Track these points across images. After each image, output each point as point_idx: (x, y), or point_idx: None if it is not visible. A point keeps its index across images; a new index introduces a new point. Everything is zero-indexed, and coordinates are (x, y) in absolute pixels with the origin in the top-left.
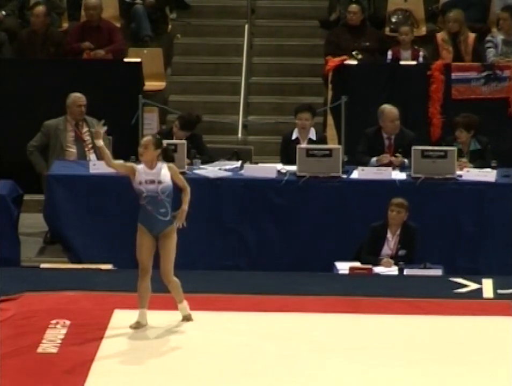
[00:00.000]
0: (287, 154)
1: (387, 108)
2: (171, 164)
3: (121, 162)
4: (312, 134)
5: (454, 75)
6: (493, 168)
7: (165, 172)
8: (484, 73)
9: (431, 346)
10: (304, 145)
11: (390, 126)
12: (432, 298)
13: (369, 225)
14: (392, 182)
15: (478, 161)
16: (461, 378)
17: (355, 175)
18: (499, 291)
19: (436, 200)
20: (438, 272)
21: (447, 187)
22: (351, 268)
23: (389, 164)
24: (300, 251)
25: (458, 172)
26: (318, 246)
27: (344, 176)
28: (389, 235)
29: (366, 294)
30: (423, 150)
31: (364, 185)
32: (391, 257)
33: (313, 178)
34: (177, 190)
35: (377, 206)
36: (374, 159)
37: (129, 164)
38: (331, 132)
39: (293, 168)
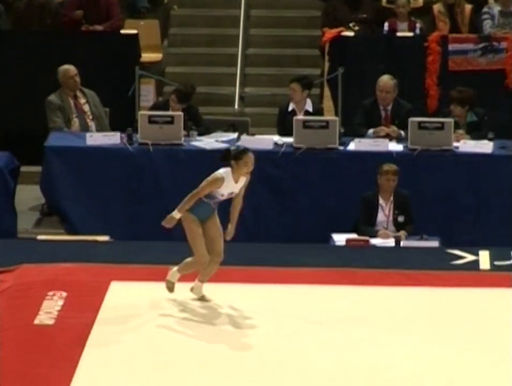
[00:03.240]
0: (283, 126)
1: (384, 78)
2: (248, 177)
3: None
4: (309, 106)
5: (451, 46)
6: (490, 139)
7: (241, 184)
8: (481, 45)
9: (428, 317)
10: (300, 117)
11: (381, 97)
12: (429, 270)
13: (360, 195)
14: (389, 154)
15: (475, 132)
16: (458, 349)
17: (352, 146)
18: (496, 262)
19: (433, 171)
20: (434, 243)
21: (444, 159)
22: (348, 240)
23: (386, 135)
24: (296, 223)
25: (455, 144)
26: (315, 218)
27: (341, 148)
28: (382, 202)
29: (362, 265)
30: (419, 122)
31: (360, 157)
32: (392, 225)
33: (309, 149)
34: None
35: (373, 178)
36: (371, 131)
37: (218, 181)
38: (328, 103)
39: (289, 139)
